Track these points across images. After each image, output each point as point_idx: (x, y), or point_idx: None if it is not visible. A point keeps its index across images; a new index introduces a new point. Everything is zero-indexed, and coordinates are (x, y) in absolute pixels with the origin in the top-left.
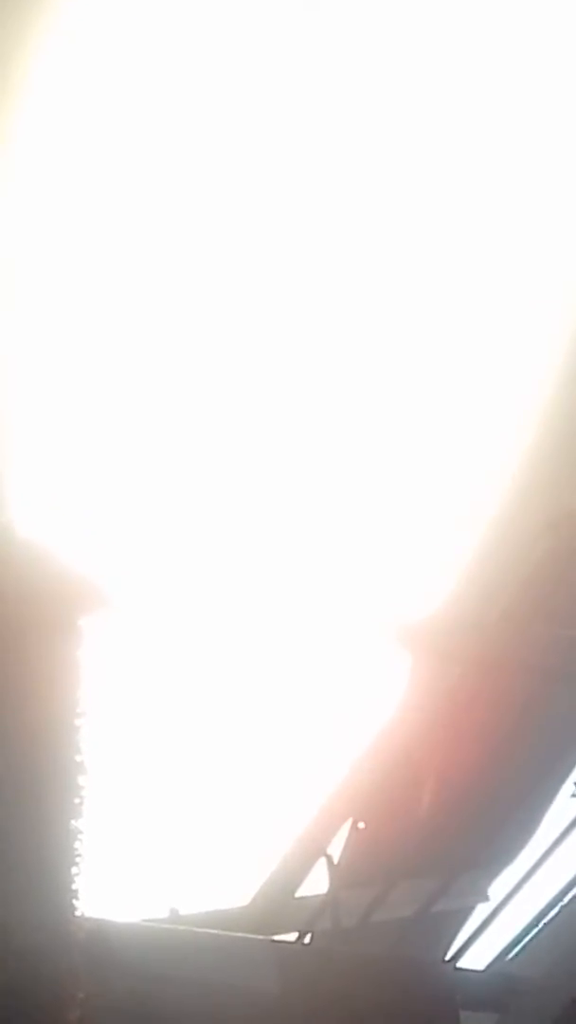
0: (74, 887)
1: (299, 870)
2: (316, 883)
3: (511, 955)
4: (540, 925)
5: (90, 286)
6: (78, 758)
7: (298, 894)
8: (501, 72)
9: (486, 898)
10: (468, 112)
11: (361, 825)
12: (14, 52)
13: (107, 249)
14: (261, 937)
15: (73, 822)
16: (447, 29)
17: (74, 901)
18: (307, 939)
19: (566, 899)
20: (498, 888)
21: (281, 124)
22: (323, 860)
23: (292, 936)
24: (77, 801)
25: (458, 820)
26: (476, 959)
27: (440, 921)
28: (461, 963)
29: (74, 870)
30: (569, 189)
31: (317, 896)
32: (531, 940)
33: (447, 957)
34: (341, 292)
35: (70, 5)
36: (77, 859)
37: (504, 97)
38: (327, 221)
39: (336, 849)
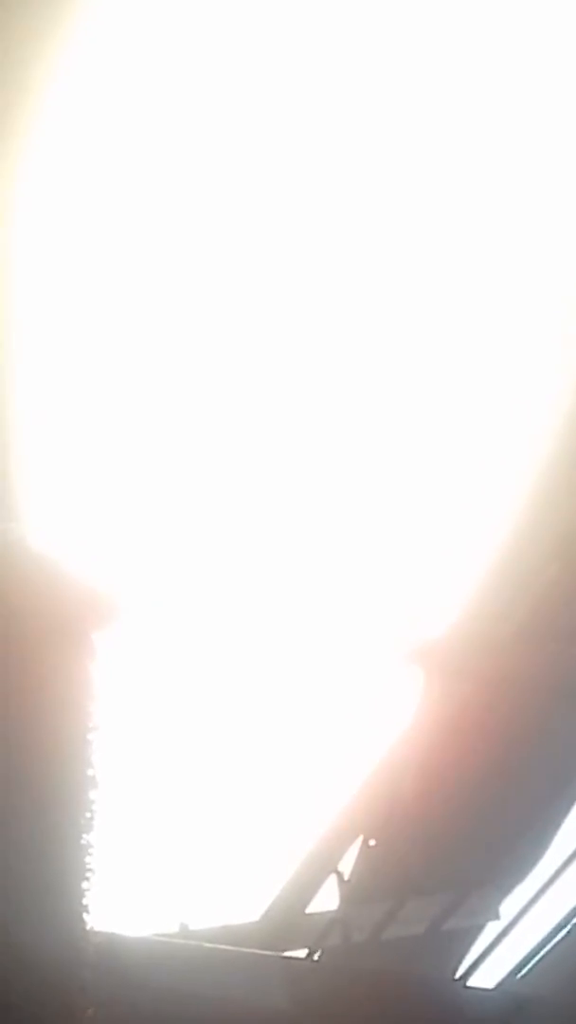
0: (85, 901)
1: (310, 886)
2: (326, 900)
3: (521, 974)
4: (551, 944)
5: (100, 300)
6: (90, 772)
7: (308, 910)
8: (501, 73)
9: (497, 916)
10: (468, 114)
11: (372, 842)
12: (20, 62)
13: (112, 260)
14: (271, 953)
15: (84, 836)
16: (447, 31)
17: (85, 915)
18: (317, 955)
19: None
20: (509, 907)
21: (282, 132)
22: (334, 877)
23: (302, 952)
24: (88, 816)
25: (469, 838)
26: (486, 977)
27: (450, 939)
28: (471, 981)
29: (85, 884)
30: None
31: (327, 913)
32: (541, 959)
33: (457, 975)
34: (347, 314)
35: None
36: (88, 873)
37: (504, 99)
38: (330, 247)
39: (347, 866)
